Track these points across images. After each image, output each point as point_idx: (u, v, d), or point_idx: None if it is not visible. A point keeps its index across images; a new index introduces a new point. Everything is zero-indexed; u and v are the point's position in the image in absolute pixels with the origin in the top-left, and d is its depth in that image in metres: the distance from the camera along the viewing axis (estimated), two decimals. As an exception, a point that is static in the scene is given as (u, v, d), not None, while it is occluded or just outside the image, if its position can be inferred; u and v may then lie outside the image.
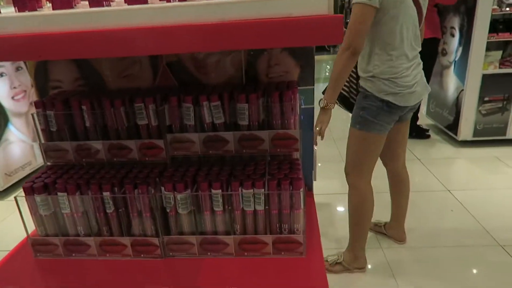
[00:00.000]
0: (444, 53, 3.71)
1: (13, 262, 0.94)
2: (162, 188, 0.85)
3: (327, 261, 1.97)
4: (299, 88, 1.00)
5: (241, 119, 0.90)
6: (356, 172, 1.79)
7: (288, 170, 0.87)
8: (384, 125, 1.65)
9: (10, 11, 0.69)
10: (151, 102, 0.91)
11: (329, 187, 2.86)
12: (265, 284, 0.82)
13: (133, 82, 1.07)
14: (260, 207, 0.84)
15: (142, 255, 0.91)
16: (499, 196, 2.75)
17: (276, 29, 0.58)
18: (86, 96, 0.96)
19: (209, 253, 0.89)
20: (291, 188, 0.82)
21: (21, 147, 4.01)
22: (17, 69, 3.98)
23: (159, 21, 0.60)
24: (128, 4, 0.64)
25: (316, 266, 0.85)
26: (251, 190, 0.82)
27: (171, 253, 0.90)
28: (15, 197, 0.88)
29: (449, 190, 2.87)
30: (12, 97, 3.90)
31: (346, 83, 1.79)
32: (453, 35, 3.56)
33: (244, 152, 0.92)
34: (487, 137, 3.48)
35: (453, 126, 3.61)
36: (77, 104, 0.93)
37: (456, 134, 3.57)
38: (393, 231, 2.23)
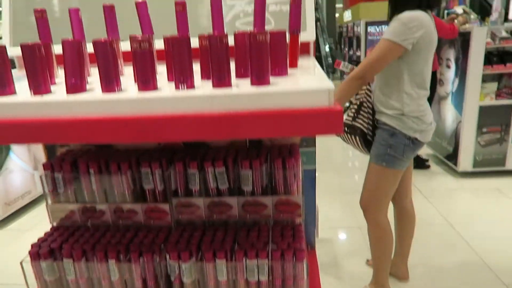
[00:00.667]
0: (441, 83, 3.78)
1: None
2: (167, 256, 0.86)
3: None
4: (300, 149, 1.02)
5: (245, 185, 0.92)
6: (377, 207, 1.83)
7: (291, 238, 0.89)
8: (407, 161, 1.72)
9: (24, 89, 0.72)
10: (157, 167, 0.93)
11: (333, 218, 2.84)
12: None
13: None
14: (264, 278, 0.85)
15: (146, 322, 0.91)
16: (501, 229, 2.74)
17: (279, 120, 0.61)
18: (93, 158, 0.98)
19: (213, 320, 0.90)
20: (294, 259, 0.83)
21: (21, 175, 4.01)
22: None
23: (170, 109, 0.63)
24: (139, 90, 0.67)
25: (319, 334, 0.85)
26: (255, 260, 0.83)
27: (175, 320, 0.90)
28: (20, 262, 0.89)
29: (450, 224, 2.87)
30: (15, 126, 3.93)
31: (364, 119, 1.80)
32: (449, 67, 3.63)
33: (248, 217, 0.93)
34: (487, 167, 3.50)
35: (453, 157, 3.64)
36: (85, 167, 0.95)
37: (455, 165, 3.59)
38: (397, 268, 2.22)
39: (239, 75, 0.71)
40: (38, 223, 3.80)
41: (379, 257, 1.95)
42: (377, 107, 1.73)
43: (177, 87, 0.66)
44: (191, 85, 0.66)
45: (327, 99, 0.60)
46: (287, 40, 0.72)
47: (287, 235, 0.90)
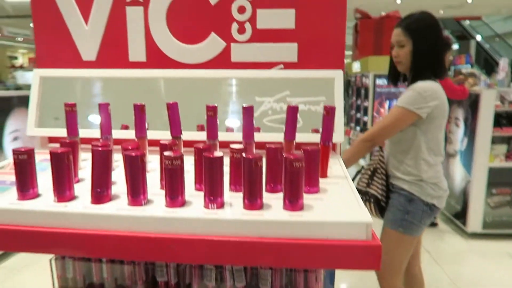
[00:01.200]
0: (450, 141, 3.78)
1: None
2: None
3: None
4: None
5: (263, 284, 0.88)
6: (394, 274, 1.79)
7: None
8: (424, 227, 1.70)
9: (50, 199, 0.70)
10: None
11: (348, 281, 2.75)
12: None
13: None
14: None
15: None
16: (511, 297, 2.64)
17: (313, 251, 0.59)
18: (106, 244, 0.95)
19: None
20: None
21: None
22: (30, 132, 4.06)
23: (198, 230, 0.61)
24: (167, 206, 0.65)
25: None
26: None
27: None
28: None
29: (459, 288, 2.76)
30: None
31: (379, 185, 1.77)
32: (457, 125, 3.65)
33: (265, 318, 0.89)
34: (497, 230, 3.43)
35: (461, 215, 3.57)
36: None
37: (464, 224, 3.51)
38: None
39: (269, 189, 0.70)
40: (32, 262, 3.70)
41: None
42: (392, 172, 1.72)
43: (206, 206, 0.64)
44: (221, 205, 0.64)
45: (365, 232, 0.58)
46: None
47: None
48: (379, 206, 1.79)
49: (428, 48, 1.60)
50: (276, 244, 0.59)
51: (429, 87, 1.56)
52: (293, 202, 0.63)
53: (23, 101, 4.01)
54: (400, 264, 1.78)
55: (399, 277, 1.81)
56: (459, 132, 3.63)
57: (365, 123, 5.53)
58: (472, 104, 3.41)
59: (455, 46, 9.59)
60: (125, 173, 0.66)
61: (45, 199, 0.70)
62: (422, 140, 1.64)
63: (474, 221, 3.45)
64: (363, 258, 0.58)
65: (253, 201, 0.64)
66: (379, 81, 4.84)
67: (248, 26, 1.02)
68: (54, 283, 0.96)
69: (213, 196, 0.64)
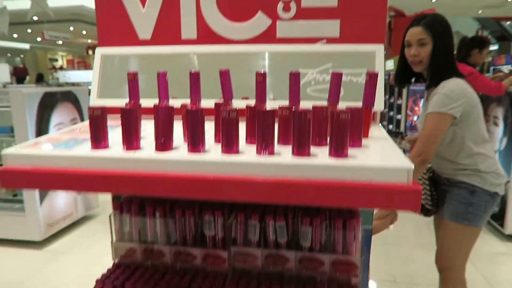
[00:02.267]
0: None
1: None
2: (225, 306, 0.88)
3: None
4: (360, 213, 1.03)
5: (303, 240, 0.94)
6: (459, 266, 1.83)
7: (349, 300, 0.89)
8: (488, 217, 1.73)
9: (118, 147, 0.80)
10: (220, 216, 0.97)
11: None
12: None
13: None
14: (320, 338, 0.84)
15: None
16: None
17: (358, 192, 0.64)
18: (160, 202, 1.04)
19: None
20: (353, 323, 0.83)
21: (65, 199, 4.21)
22: (72, 120, 4.32)
23: (251, 173, 0.68)
24: (223, 153, 0.73)
25: None
26: (313, 320, 0.84)
27: None
28: (86, 297, 0.93)
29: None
30: (65, 150, 4.19)
31: (422, 193, 1.82)
32: (496, 124, 3.54)
33: (304, 272, 0.95)
34: (537, 232, 3.30)
35: (499, 217, 3.46)
36: (151, 210, 1.01)
37: (502, 226, 3.40)
38: None
39: (314, 143, 0.76)
40: (75, 247, 3.92)
41: None
42: (448, 171, 1.75)
43: (258, 153, 0.71)
44: (271, 152, 0.71)
45: (406, 177, 0.63)
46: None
47: (344, 296, 0.90)
48: (422, 209, 1.82)
49: (448, 47, 1.64)
50: (323, 185, 0.64)
51: (454, 86, 1.59)
52: (338, 150, 0.69)
53: (66, 96, 4.28)
54: (466, 257, 1.81)
55: (464, 269, 1.84)
56: (498, 131, 3.52)
57: (398, 121, 5.45)
58: (513, 103, 3.31)
59: (494, 47, 9.22)
60: (186, 126, 0.75)
61: (115, 149, 0.79)
62: (465, 137, 1.67)
63: (513, 222, 3.34)
64: (405, 200, 0.63)
65: (301, 149, 0.70)
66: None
67: (293, 4, 1.09)
68: (112, 236, 1.06)
69: (265, 144, 0.71)
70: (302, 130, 0.70)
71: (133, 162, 0.73)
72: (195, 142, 0.75)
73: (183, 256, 1.00)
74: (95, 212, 4.79)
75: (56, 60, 14.41)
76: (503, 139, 3.45)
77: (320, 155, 0.71)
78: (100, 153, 0.77)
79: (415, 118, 5.04)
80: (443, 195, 1.82)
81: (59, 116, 4.12)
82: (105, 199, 4.78)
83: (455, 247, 1.80)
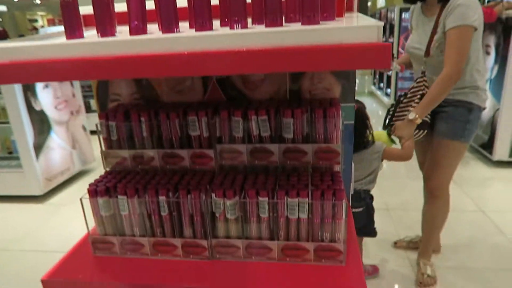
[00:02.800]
0: (479, 70, 3.67)
1: (74, 258, 1.03)
2: (213, 195, 0.92)
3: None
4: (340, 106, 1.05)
5: (286, 133, 0.97)
6: (448, 182, 1.92)
7: (331, 182, 0.93)
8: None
9: (92, 34, 0.80)
10: (204, 115, 0.99)
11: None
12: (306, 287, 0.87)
13: (185, 96, 1.16)
14: (304, 216, 0.89)
15: (191, 256, 0.98)
16: (536, 218, 2.67)
17: (329, 54, 0.65)
18: (144, 109, 1.05)
19: (253, 257, 0.95)
20: (333, 199, 0.88)
21: (61, 153, 4.25)
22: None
23: (227, 46, 0.68)
24: (196, 31, 0.72)
25: (355, 274, 0.89)
26: (296, 199, 0.88)
27: (218, 256, 0.97)
28: (80, 199, 0.97)
29: (483, 211, 2.81)
30: (55, 107, 4.17)
31: None
32: (488, 53, 3.52)
33: (288, 163, 0.98)
34: (525, 158, 3.39)
35: (488, 145, 3.54)
36: (136, 116, 1.02)
37: (490, 154, 3.49)
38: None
39: (288, 20, 0.75)
40: (75, 199, 4.00)
41: (437, 230, 2.07)
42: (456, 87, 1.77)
43: (232, 28, 0.71)
44: (245, 26, 0.71)
45: (376, 35, 0.63)
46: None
47: (327, 179, 0.94)
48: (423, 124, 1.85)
49: None
50: (296, 50, 0.65)
51: None
52: (310, 18, 0.69)
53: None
54: (453, 173, 1.91)
55: (449, 187, 1.96)
56: (490, 59, 3.50)
57: (390, 62, 5.38)
58: (505, 30, 3.26)
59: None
60: (159, 8, 0.74)
61: (90, 38, 0.78)
62: (475, 50, 1.66)
63: (501, 149, 3.42)
64: (375, 58, 0.64)
65: (273, 21, 0.70)
66: (405, 15, 4.66)
67: None
68: (101, 144, 1.08)
69: (238, 18, 0.71)
70: (273, 4, 0.70)
71: (107, 45, 0.73)
72: (169, 22, 0.74)
73: (171, 158, 1.03)
74: (91, 166, 4.85)
75: (36, 20, 13.83)
76: (494, 68, 3.44)
77: (293, 26, 0.71)
78: (76, 40, 0.76)
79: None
80: (435, 116, 1.85)
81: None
82: (99, 155, 4.83)
83: (447, 164, 1.86)
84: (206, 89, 1.15)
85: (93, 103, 6.40)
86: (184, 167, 1.03)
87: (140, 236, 0.99)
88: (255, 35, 0.68)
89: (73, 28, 0.78)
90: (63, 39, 0.78)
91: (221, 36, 0.69)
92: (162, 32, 0.75)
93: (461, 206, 2.87)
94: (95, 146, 4.85)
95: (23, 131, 3.72)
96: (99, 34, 0.77)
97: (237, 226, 0.94)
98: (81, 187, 4.31)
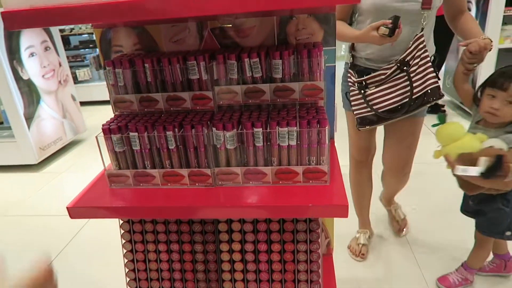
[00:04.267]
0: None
1: (92, 190, 1.17)
2: (214, 128, 1.06)
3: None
4: (323, 48, 1.18)
5: (275, 73, 1.10)
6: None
7: (315, 113, 1.07)
8: None
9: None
10: (202, 60, 1.11)
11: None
12: (297, 203, 1.03)
13: (182, 45, 1.27)
14: (293, 142, 1.04)
15: (196, 184, 1.12)
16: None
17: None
18: (147, 56, 1.16)
19: (250, 182, 1.11)
20: (318, 126, 1.02)
21: (52, 123, 4.29)
22: (46, 49, 4.24)
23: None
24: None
25: (338, 191, 1.05)
26: (286, 128, 1.03)
27: (220, 182, 1.12)
28: (96, 137, 1.10)
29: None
30: (43, 76, 4.17)
31: None
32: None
33: (278, 101, 1.12)
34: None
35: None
36: (140, 63, 1.14)
37: (469, 108, 3.68)
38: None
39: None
40: (70, 167, 4.12)
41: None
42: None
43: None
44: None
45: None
46: None
47: (312, 112, 1.08)
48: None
49: None
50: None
51: None
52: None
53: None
54: None
55: None
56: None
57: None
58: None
59: None
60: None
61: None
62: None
63: (478, 103, 3.61)
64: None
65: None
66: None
67: None
68: (110, 91, 1.19)
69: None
70: None
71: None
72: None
73: (174, 100, 1.15)
74: (83, 136, 4.92)
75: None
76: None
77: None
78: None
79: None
80: None
81: (28, 39, 4.01)
82: (92, 124, 4.88)
83: (416, 143, 1.97)
84: (202, 39, 1.26)
85: (80, 74, 6.34)
86: (186, 108, 1.16)
87: (151, 169, 1.13)
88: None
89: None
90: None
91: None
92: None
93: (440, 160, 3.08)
94: (85, 116, 4.88)
95: (13, 100, 3.74)
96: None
97: (236, 155, 1.09)
98: (75, 155, 4.40)
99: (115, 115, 1.21)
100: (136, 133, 1.09)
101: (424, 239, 2.36)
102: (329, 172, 1.07)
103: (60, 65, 4.41)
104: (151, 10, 0.82)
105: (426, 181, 2.92)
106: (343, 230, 2.27)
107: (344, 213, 0.99)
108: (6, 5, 0.87)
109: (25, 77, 3.87)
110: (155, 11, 0.82)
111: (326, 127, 1.02)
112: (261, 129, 1.04)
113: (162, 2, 0.81)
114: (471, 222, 1.84)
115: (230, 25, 1.23)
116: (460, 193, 1.75)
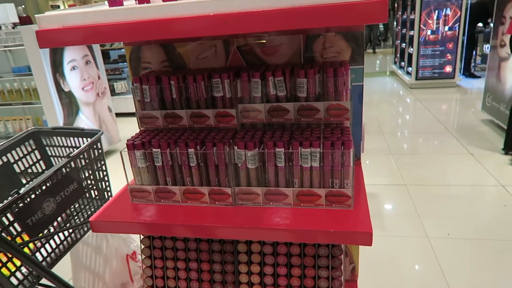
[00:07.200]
0: (502, 44, 3.61)
1: (115, 205, 1.18)
2: (235, 147, 1.04)
3: None
4: (350, 67, 1.14)
5: (300, 92, 1.07)
6: None
7: (340, 134, 1.03)
8: None
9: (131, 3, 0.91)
10: (226, 77, 1.10)
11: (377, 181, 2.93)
12: (318, 228, 0.98)
13: (209, 63, 1.28)
14: (316, 164, 1.01)
15: (216, 203, 1.11)
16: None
17: (333, 12, 0.75)
18: (173, 73, 1.18)
19: (271, 203, 1.08)
20: (342, 148, 0.98)
21: (89, 132, 4.46)
22: (87, 63, 4.45)
23: (237, 8, 0.78)
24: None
25: (362, 216, 1.00)
26: (309, 149, 0.99)
27: (240, 202, 1.10)
28: (120, 152, 1.11)
29: (503, 186, 2.84)
30: (82, 88, 4.38)
31: None
32: (502, 23, 3.46)
33: (302, 120, 1.09)
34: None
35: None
36: (167, 80, 1.15)
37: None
38: None
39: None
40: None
41: None
42: None
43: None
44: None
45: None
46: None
47: (337, 133, 1.04)
48: None
49: None
50: (307, 8, 0.75)
51: None
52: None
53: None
54: None
55: None
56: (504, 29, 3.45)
57: (411, 38, 5.31)
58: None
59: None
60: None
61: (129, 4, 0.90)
62: None
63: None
64: (373, 13, 0.73)
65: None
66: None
67: None
68: (136, 105, 1.22)
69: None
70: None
71: (144, 10, 0.85)
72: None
73: (198, 117, 1.15)
74: (117, 146, 5.08)
75: (58, 6, 14.24)
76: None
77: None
78: (115, 8, 0.88)
79: (428, 32, 4.88)
80: None
81: (71, 53, 4.23)
82: (126, 135, 5.05)
83: None
84: (228, 56, 1.26)
85: (117, 86, 6.62)
86: (210, 125, 1.15)
87: (172, 185, 1.13)
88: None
89: (114, -1, 0.90)
90: (106, 7, 0.91)
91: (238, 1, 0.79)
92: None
93: (482, 181, 2.91)
94: (120, 127, 5.06)
95: (54, 111, 3.94)
96: (137, 1, 0.88)
97: (257, 174, 1.06)
98: (109, 166, 4.54)
99: (140, 131, 1.23)
100: (159, 150, 1.10)
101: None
102: (353, 196, 1.02)
103: (99, 78, 4.62)
104: (179, 29, 0.83)
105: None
106: (370, 255, 2.17)
107: (368, 241, 0.93)
108: (40, 24, 0.91)
109: (66, 89, 4.07)
110: (183, 31, 0.83)
111: (351, 149, 0.97)
112: (283, 149, 1.01)
113: (190, 22, 0.81)
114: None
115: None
116: None
